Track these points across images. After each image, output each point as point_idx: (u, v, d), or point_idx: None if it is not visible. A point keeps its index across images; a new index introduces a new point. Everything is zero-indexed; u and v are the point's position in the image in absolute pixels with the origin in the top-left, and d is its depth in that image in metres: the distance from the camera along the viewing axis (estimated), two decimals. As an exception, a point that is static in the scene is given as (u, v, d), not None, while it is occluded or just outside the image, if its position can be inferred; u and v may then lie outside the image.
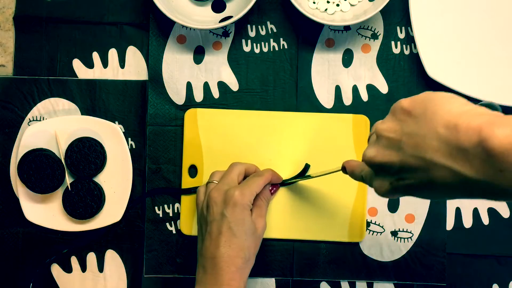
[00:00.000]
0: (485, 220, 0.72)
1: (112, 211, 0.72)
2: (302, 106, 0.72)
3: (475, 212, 0.73)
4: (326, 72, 0.73)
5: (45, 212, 0.72)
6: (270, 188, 0.69)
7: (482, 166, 0.38)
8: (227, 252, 0.60)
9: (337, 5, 0.72)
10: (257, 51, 0.73)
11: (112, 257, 0.73)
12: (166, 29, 0.73)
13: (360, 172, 0.53)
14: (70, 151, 0.71)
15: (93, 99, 0.73)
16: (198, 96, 0.73)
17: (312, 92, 0.73)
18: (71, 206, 0.71)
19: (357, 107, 0.72)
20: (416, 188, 0.44)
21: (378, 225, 0.72)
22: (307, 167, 0.70)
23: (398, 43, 0.73)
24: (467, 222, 0.72)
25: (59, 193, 0.72)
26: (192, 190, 0.71)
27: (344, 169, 0.58)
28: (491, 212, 0.72)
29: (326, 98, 0.72)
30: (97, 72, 0.74)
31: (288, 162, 0.71)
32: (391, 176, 0.46)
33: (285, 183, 0.70)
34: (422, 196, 0.45)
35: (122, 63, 0.73)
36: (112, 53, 0.73)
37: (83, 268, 0.73)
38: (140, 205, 0.73)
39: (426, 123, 0.42)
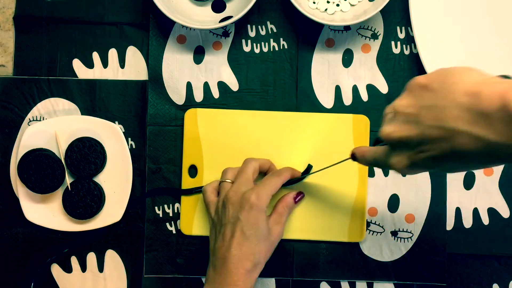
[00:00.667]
0: (485, 220, 0.72)
1: (112, 211, 0.72)
2: (302, 106, 0.72)
3: (475, 212, 0.73)
4: (326, 72, 0.73)
5: (45, 212, 0.72)
6: (294, 196, 0.68)
7: (506, 129, 0.39)
8: (237, 255, 0.60)
9: (337, 5, 0.73)
10: (257, 51, 0.73)
11: (112, 257, 0.73)
12: (166, 29, 0.73)
13: (373, 154, 0.53)
14: (70, 151, 0.71)
15: (93, 99, 0.73)
16: (198, 96, 0.73)
17: (312, 92, 0.73)
18: (71, 206, 0.71)
19: (357, 107, 0.72)
20: (437, 160, 0.44)
21: (378, 225, 0.72)
22: (309, 167, 0.70)
23: (398, 43, 0.73)
24: (467, 222, 0.73)
25: (59, 193, 0.72)
26: (194, 191, 0.70)
27: (353, 157, 0.57)
28: (491, 212, 0.72)
29: (326, 98, 0.72)
30: (97, 72, 0.73)
31: (288, 162, 0.71)
32: (410, 149, 0.46)
33: (298, 180, 0.69)
34: (442, 168, 0.45)
35: (122, 63, 0.73)
36: (112, 53, 0.73)
37: (83, 268, 0.73)
38: (140, 205, 0.73)
39: (445, 95, 0.43)
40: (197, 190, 0.70)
